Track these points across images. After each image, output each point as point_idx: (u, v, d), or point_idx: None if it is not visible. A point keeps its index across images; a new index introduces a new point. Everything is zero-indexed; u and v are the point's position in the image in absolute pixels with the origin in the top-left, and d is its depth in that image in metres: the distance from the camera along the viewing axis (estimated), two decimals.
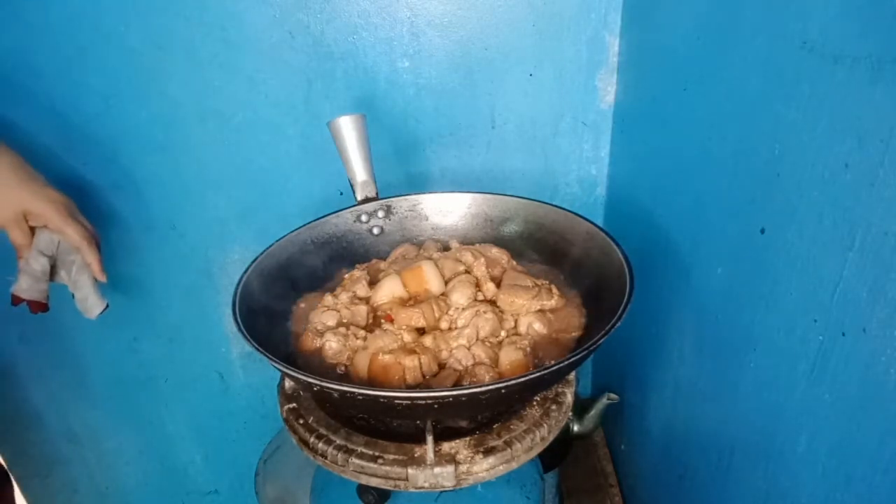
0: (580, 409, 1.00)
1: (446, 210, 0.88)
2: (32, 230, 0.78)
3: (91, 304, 0.81)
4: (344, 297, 0.76)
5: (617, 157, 1.03)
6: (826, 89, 0.46)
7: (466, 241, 0.86)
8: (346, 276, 0.82)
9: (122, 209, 1.07)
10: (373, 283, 0.78)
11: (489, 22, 0.94)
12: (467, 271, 0.77)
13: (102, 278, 0.80)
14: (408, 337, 0.68)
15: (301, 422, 0.69)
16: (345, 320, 0.73)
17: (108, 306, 0.82)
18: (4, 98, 0.96)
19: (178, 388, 1.28)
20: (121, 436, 1.34)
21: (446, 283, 0.75)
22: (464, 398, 0.55)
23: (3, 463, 1.03)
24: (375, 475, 0.63)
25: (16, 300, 0.78)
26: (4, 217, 0.75)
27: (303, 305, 0.78)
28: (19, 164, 0.77)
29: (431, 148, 1.04)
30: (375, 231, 0.88)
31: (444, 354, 0.67)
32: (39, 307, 0.79)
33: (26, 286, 0.77)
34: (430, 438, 0.61)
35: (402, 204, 0.88)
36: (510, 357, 0.65)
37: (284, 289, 0.78)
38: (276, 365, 0.59)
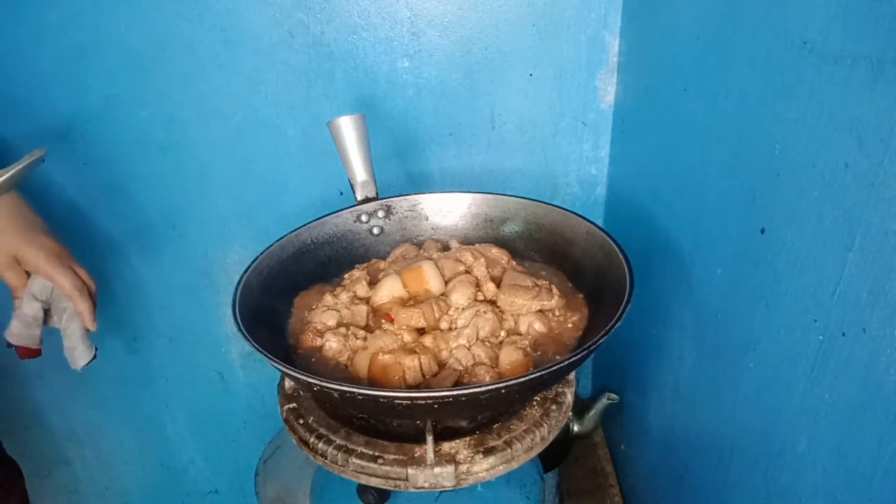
0: (580, 409, 1.00)
1: (446, 210, 0.88)
2: (29, 273, 0.76)
3: (78, 354, 0.78)
4: (344, 297, 0.76)
5: (617, 157, 1.03)
6: (826, 89, 0.46)
7: (466, 241, 0.86)
8: (346, 276, 0.82)
9: (122, 209, 1.07)
10: (373, 283, 0.78)
11: (489, 22, 0.94)
12: (467, 271, 0.77)
13: (92, 327, 0.78)
14: (408, 337, 0.68)
15: (301, 422, 0.69)
16: (345, 320, 0.73)
17: (95, 357, 0.79)
18: (5, 98, 0.96)
19: (178, 388, 1.28)
20: (121, 436, 1.34)
21: (446, 283, 0.75)
22: (464, 398, 0.55)
23: (15, 456, 1.03)
24: (375, 475, 0.63)
25: (7, 344, 0.76)
26: None
27: (302, 305, 0.78)
28: (18, 208, 0.75)
29: (431, 148, 1.04)
30: (375, 231, 0.88)
31: (444, 354, 0.67)
32: (30, 353, 0.77)
33: (16, 331, 0.75)
34: (430, 438, 0.61)
35: (402, 204, 0.88)
36: (510, 357, 0.65)
37: (284, 289, 0.78)
38: (276, 365, 0.59)
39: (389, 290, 0.74)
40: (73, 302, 0.76)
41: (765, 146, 0.54)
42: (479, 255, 0.79)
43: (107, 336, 1.19)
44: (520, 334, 0.70)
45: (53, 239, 0.77)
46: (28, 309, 0.75)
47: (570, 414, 0.72)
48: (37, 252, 0.74)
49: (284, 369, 0.58)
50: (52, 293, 0.76)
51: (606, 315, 0.63)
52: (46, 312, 0.77)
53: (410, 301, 0.74)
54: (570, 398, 0.71)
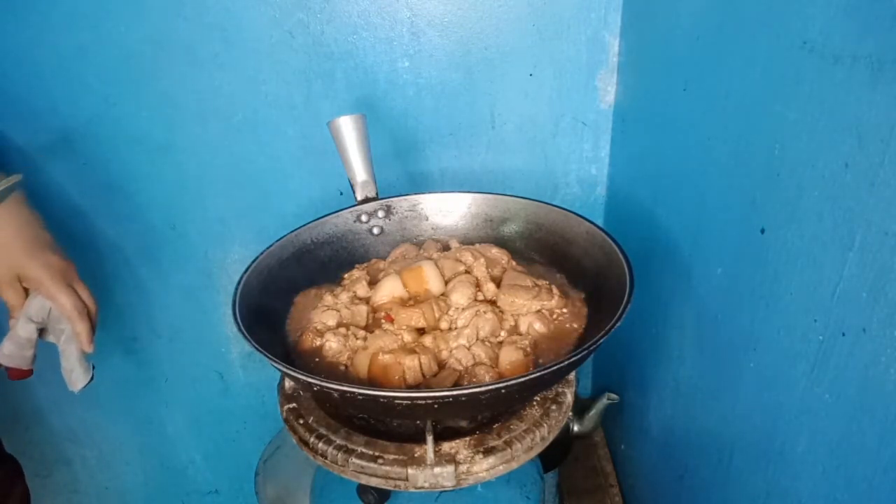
0: (580, 409, 1.00)
1: (446, 210, 0.88)
2: (28, 291, 0.75)
3: (75, 376, 0.77)
4: (344, 297, 0.76)
5: (617, 157, 1.03)
6: (826, 89, 0.46)
7: (466, 241, 0.86)
8: (346, 276, 0.82)
9: (121, 209, 1.07)
10: (373, 283, 0.78)
11: (489, 22, 0.94)
12: (467, 271, 0.77)
13: (89, 349, 0.76)
14: (408, 337, 0.68)
15: (301, 422, 0.69)
16: (345, 320, 0.73)
17: (92, 378, 0.78)
18: (4, 98, 0.96)
19: (178, 388, 1.28)
20: (121, 436, 1.34)
21: (446, 283, 0.75)
22: (464, 398, 0.55)
23: (15, 456, 1.03)
24: (375, 475, 0.63)
25: None
26: None
27: (302, 305, 0.78)
28: (26, 223, 0.74)
29: (431, 148, 1.04)
30: (375, 231, 0.88)
31: (444, 354, 0.67)
32: (21, 374, 0.75)
33: (8, 352, 0.74)
34: (430, 438, 0.61)
35: (402, 204, 0.88)
36: (510, 357, 0.65)
37: (284, 289, 0.78)
38: (276, 365, 0.59)
39: (389, 290, 0.74)
40: (71, 323, 0.75)
41: (765, 146, 0.54)
42: (479, 255, 0.79)
43: (107, 336, 1.19)
44: (520, 334, 0.70)
45: (59, 256, 0.75)
46: (23, 331, 0.74)
47: (570, 414, 0.72)
48: (40, 270, 0.73)
49: (284, 369, 0.58)
50: (49, 314, 0.75)
51: (606, 315, 0.63)
52: (42, 331, 0.76)
53: (410, 301, 0.74)
54: (570, 398, 0.71)
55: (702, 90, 0.69)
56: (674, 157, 0.79)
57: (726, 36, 0.62)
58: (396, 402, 0.56)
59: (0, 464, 0.99)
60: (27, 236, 0.74)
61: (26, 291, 0.75)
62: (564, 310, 0.73)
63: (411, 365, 0.64)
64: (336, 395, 0.57)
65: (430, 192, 0.89)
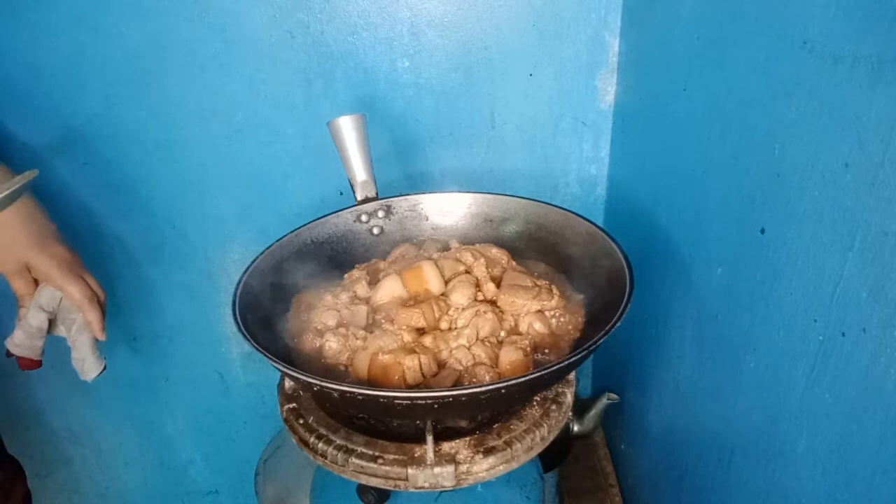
0: (580, 409, 1.00)
1: (446, 210, 0.88)
2: (38, 281, 0.76)
3: (88, 366, 0.77)
4: (344, 297, 0.76)
5: (617, 157, 1.03)
6: (826, 89, 0.46)
7: (466, 241, 0.86)
8: (346, 276, 0.82)
9: (121, 209, 1.07)
10: (373, 283, 0.78)
11: (489, 22, 0.94)
12: (467, 271, 0.77)
13: (102, 337, 0.78)
14: (408, 337, 0.68)
15: (301, 422, 0.69)
16: (345, 320, 0.73)
17: (105, 367, 0.79)
18: (4, 98, 0.96)
19: (178, 388, 1.28)
20: (121, 436, 1.34)
21: (446, 283, 0.75)
22: (464, 398, 0.55)
23: (15, 456, 1.02)
24: (375, 475, 0.63)
25: (8, 353, 0.75)
26: (6, 268, 0.74)
27: (302, 305, 0.78)
28: (32, 215, 0.75)
29: (431, 148, 1.04)
30: (375, 231, 0.88)
31: (444, 354, 0.67)
32: (31, 364, 0.76)
33: (19, 342, 0.74)
34: (430, 438, 0.61)
35: (402, 204, 0.88)
36: (510, 357, 0.65)
37: (284, 289, 0.78)
38: (276, 365, 0.59)
39: (389, 290, 0.74)
40: (82, 311, 0.75)
41: (765, 146, 0.54)
42: (479, 255, 0.79)
43: (107, 335, 1.19)
44: (520, 334, 0.70)
45: (65, 247, 0.76)
46: (33, 320, 0.74)
47: (570, 414, 0.72)
48: (48, 260, 0.74)
49: (284, 369, 0.58)
50: (59, 304, 0.76)
51: (606, 315, 0.63)
52: (51, 322, 0.76)
53: (410, 301, 0.74)
54: (570, 398, 0.71)
55: (702, 90, 0.69)
56: (674, 158, 0.79)
57: (726, 36, 0.62)
58: (396, 402, 0.56)
59: (1, 464, 0.99)
60: (34, 228, 0.74)
61: (36, 282, 0.76)
62: (564, 310, 0.73)
63: (411, 365, 0.64)
64: (336, 395, 0.57)
65: (430, 192, 0.89)
